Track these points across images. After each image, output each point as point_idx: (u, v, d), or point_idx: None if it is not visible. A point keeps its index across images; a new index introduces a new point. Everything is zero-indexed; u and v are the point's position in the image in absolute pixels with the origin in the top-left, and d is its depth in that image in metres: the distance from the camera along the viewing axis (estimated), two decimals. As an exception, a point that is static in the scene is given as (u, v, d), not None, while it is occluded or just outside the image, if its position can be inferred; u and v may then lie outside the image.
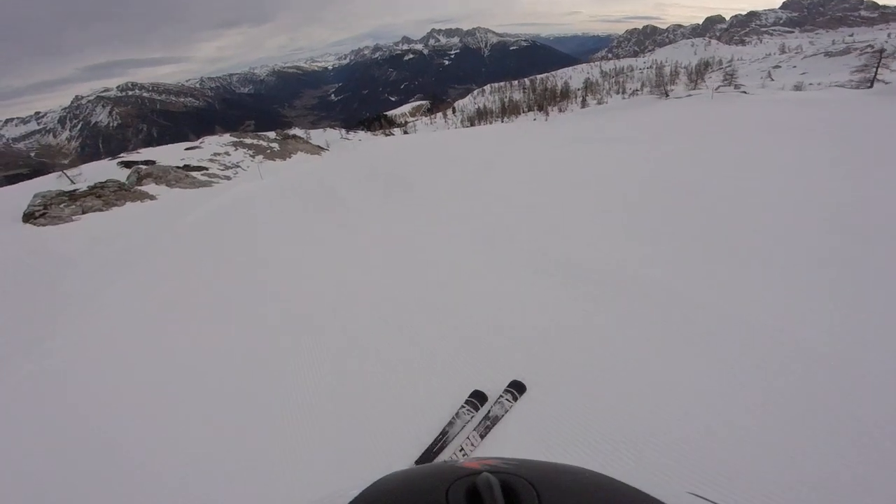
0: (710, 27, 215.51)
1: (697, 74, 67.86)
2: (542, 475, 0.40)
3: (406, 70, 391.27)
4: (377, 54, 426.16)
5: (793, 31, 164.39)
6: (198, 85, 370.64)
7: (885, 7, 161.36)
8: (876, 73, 25.85)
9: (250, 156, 32.13)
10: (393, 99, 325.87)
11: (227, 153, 31.84)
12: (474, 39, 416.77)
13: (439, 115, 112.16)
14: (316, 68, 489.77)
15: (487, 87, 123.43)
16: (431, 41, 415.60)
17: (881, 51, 30.12)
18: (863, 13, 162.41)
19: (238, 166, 28.98)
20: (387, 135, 77.35)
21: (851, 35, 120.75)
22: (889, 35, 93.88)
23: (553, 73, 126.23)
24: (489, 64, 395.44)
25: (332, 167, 15.68)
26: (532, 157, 11.65)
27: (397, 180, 10.89)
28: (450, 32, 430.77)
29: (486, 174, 10.51)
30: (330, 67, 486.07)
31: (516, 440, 2.91)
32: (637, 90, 63.55)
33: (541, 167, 10.24)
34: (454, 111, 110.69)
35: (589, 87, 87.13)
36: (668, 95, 30.62)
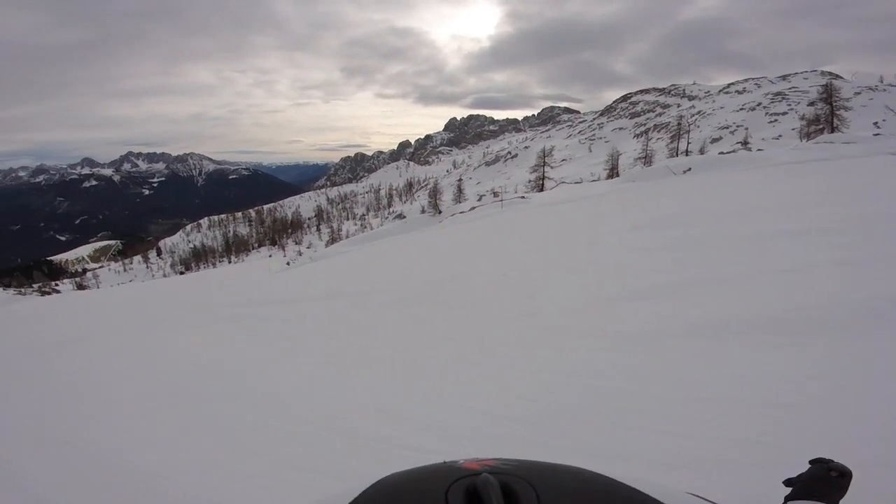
0: (403, 151, 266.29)
1: (407, 194, 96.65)
2: (541, 475, 0.42)
3: (85, 200, 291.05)
4: (41, 177, 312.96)
5: (452, 149, 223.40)
6: None
7: (501, 122, 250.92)
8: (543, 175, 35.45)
9: None
10: (63, 238, 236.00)
11: None
12: (186, 166, 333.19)
13: (137, 258, 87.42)
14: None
15: (204, 221, 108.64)
16: (127, 166, 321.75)
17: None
18: (490, 128, 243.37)
19: None
20: (45, 292, 50.16)
21: (488, 146, 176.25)
22: (509, 143, 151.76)
23: (280, 202, 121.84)
24: (205, 194, 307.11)
25: None
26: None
27: None
28: (153, 157, 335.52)
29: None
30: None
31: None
32: (399, 213, 51.97)
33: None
34: (159, 252, 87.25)
35: (321, 215, 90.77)
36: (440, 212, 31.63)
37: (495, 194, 38.62)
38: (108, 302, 20.69)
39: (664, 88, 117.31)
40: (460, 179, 47.00)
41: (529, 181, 41.69)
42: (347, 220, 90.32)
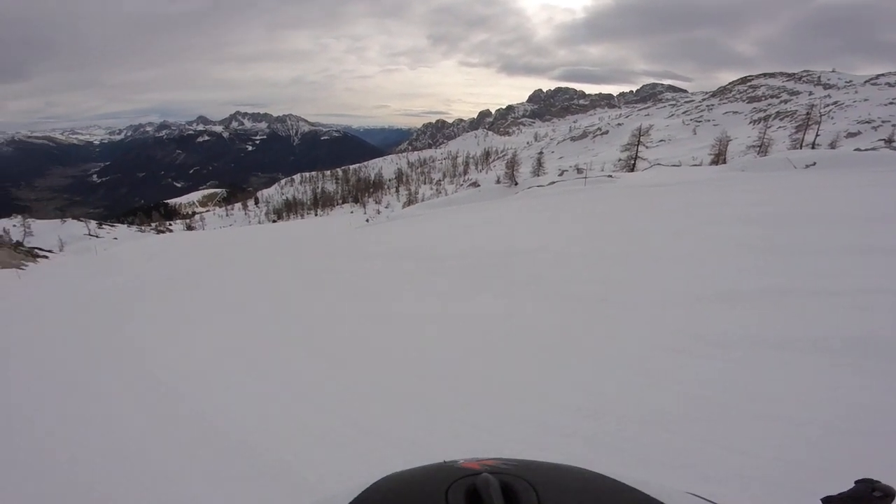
0: (482, 120, 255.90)
1: (483, 163, 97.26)
2: (541, 475, 0.42)
3: (199, 153, 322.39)
4: (163, 132, 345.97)
5: (535, 122, 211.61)
6: None
7: (592, 96, 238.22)
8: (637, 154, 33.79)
9: None
10: (178, 185, 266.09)
11: None
12: (284, 126, 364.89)
13: (237, 205, 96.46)
14: (75, 141, 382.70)
15: (297, 177, 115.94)
16: (234, 124, 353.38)
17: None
18: (579, 102, 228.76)
19: None
20: (160, 231, 57.96)
21: (576, 121, 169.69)
22: (600, 118, 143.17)
23: (365, 163, 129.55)
24: (299, 153, 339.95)
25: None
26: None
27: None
28: (257, 117, 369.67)
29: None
30: (96, 142, 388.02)
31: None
32: (474, 181, 58.78)
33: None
34: (257, 202, 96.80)
35: (400, 177, 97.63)
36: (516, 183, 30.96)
37: (579, 171, 36.71)
38: (215, 244, 23.95)
39: (794, 74, 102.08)
40: (541, 152, 45.03)
41: (619, 160, 39.10)
42: (424, 184, 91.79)
